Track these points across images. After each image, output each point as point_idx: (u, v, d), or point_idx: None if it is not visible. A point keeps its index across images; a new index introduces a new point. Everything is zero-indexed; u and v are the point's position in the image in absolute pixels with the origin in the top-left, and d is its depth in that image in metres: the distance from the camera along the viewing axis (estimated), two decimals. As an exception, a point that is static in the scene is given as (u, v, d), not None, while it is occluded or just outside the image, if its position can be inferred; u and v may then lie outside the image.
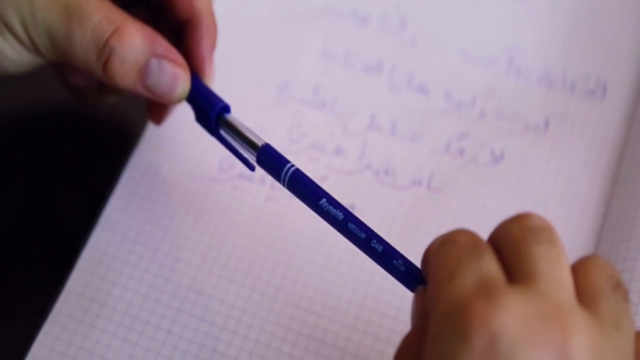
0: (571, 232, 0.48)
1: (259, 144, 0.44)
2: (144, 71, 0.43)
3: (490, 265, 0.33)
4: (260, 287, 0.47)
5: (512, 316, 0.31)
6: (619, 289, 0.33)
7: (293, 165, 0.43)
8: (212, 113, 0.45)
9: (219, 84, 0.47)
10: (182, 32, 0.46)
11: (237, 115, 0.48)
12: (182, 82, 0.44)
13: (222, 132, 0.45)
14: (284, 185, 0.43)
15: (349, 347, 0.45)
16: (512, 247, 0.34)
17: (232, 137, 0.45)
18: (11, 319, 0.47)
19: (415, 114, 0.53)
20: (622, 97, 0.53)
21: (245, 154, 0.44)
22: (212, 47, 0.46)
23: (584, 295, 0.33)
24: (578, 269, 0.34)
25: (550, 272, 0.32)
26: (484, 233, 0.48)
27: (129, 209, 0.49)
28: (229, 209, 0.50)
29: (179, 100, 0.45)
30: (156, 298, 0.46)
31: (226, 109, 0.45)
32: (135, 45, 0.42)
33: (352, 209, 0.49)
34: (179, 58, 0.44)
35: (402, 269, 0.40)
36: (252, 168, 0.45)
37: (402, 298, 0.46)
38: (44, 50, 0.43)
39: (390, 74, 0.54)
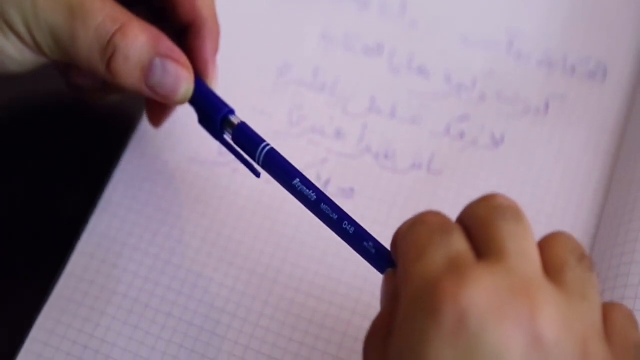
0: (571, 215, 0.48)
1: (264, 144, 0.43)
2: (147, 70, 0.42)
3: (459, 244, 0.33)
4: (260, 270, 0.46)
5: (481, 292, 0.31)
6: (584, 260, 0.34)
7: (268, 145, 0.43)
8: (217, 117, 0.44)
9: (219, 66, 0.46)
10: (184, 34, 0.45)
11: (237, 97, 0.47)
12: (186, 83, 0.43)
13: (226, 137, 0.45)
14: (258, 164, 0.43)
15: (349, 330, 0.45)
16: (480, 225, 0.34)
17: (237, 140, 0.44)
18: (11, 302, 0.47)
19: (415, 97, 0.52)
20: (623, 80, 0.53)
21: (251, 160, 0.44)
22: (215, 49, 0.45)
23: (551, 268, 0.33)
24: (544, 245, 0.35)
25: (518, 248, 0.33)
26: (484, 216, 0.48)
27: (129, 191, 0.49)
28: (229, 192, 0.49)
29: (182, 101, 0.44)
30: (156, 280, 0.46)
31: (231, 112, 0.45)
32: (139, 43, 0.42)
33: (352, 193, 0.49)
34: (183, 58, 0.43)
35: (373, 251, 0.40)
36: (257, 174, 0.44)
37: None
38: (47, 49, 0.42)
39: (390, 57, 0.54)
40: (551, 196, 0.48)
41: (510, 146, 0.50)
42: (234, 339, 0.44)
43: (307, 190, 0.42)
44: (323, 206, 0.41)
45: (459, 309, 0.30)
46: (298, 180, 0.42)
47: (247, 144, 0.43)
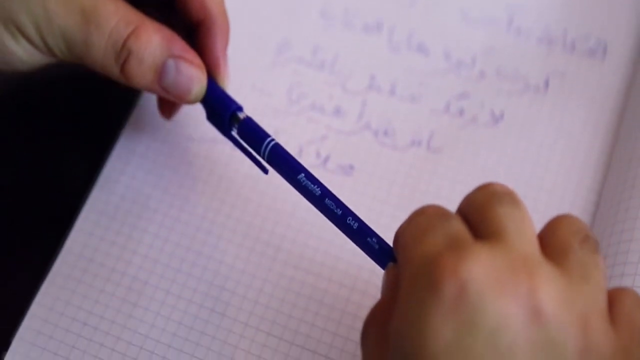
0: (571, 192, 0.47)
1: (269, 139, 0.43)
2: (160, 71, 0.42)
3: (458, 226, 0.33)
4: (259, 247, 0.46)
5: (480, 266, 0.31)
6: (588, 241, 0.34)
7: (273, 140, 0.43)
8: (225, 113, 0.44)
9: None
10: (194, 32, 0.45)
11: (237, 75, 0.46)
12: (199, 83, 0.43)
13: (234, 133, 0.44)
14: (264, 158, 0.43)
15: (348, 308, 0.44)
16: (478, 211, 0.34)
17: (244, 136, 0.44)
18: (10, 279, 0.46)
19: (414, 74, 0.51)
20: (623, 57, 0.52)
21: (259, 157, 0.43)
22: (225, 46, 0.45)
23: (552, 250, 0.33)
24: (548, 228, 0.35)
25: (516, 229, 0.33)
26: (484, 193, 0.47)
27: (128, 169, 0.48)
28: (228, 169, 0.48)
29: (195, 101, 0.44)
30: (155, 258, 0.45)
31: (239, 109, 0.44)
32: (152, 45, 0.41)
33: (352, 170, 0.48)
34: (196, 59, 0.43)
35: (376, 247, 0.40)
36: (265, 171, 0.44)
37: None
38: (59, 52, 0.41)
39: (389, 34, 0.53)
40: (551, 173, 0.48)
41: (510, 123, 0.50)
42: (233, 316, 0.44)
43: (312, 185, 0.42)
44: (327, 201, 0.41)
45: (458, 282, 0.30)
46: (303, 175, 0.42)
47: (253, 139, 0.43)
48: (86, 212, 0.46)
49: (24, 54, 0.41)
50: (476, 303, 0.30)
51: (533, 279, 0.31)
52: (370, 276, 0.44)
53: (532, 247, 0.32)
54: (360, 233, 0.41)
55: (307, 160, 0.48)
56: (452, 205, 0.47)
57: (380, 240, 0.40)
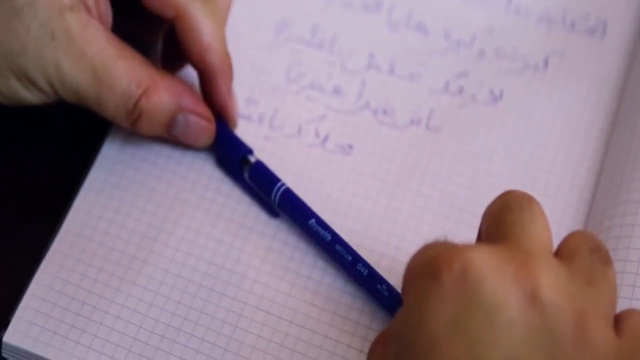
0: (570, 172, 0.46)
1: (280, 183, 0.44)
2: (170, 125, 0.43)
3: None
4: (259, 227, 0.45)
5: (480, 256, 0.31)
6: (599, 252, 0.33)
7: (284, 184, 0.44)
8: (236, 157, 0.45)
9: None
10: (199, 75, 0.45)
11: (235, 54, 0.46)
12: (208, 133, 0.45)
13: (246, 176, 0.45)
14: (274, 202, 0.44)
15: (347, 287, 0.43)
16: (490, 222, 0.34)
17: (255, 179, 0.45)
18: (9, 258, 0.45)
19: (414, 53, 0.50)
20: (622, 36, 0.51)
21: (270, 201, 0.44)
22: (230, 90, 0.45)
23: (561, 254, 0.33)
24: (561, 241, 0.34)
25: (522, 231, 0.33)
26: (482, 172, 0.46)
27: (127, 147, 0.47)
28: (227, 148, 0.47)
29: (204, 147, 0.46)
30: (153, 237, 0.44)
31: (249, 152, 0.45)
32: (163, 105, 0.42)
33: (351, 149, 0.47)
34: (206, 111, 0.44)
35: (386, 294, 0.41)
36: (276, 215, 0.44)
37: (399, 239, 0.44)
38: (70, 101, 0.42)
39: (388, 13, 0.52)
40: (550, 153, 0.47)
41: (509, 103, 0.49)
42: (232, 295, 0.43)
43: (323, 231, 0.42)
44: (338, 247, 0.42)
45: (457, 268, 0.30)
46: (314, 220, 0.43)
47: (263, 183, 0.44)
48: (85, 191, 0.46)
49: (35, 100, 0.42)
50: (475, 285, 0.30)
51: (533, 267, 0.31)
52: (370, 254, 0.44)
53: (540, 243, 0.32)
54: (370, 280, 0.41)
55: (306, 140, 0.47)
56: (451, 184, 0.46)
57: (389, 287, 0.41)
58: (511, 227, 0.33)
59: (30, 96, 0.42)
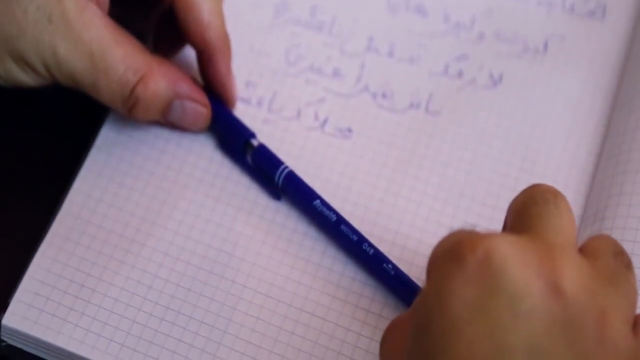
0: (570, 154, 0.46)
1: (284, 166, 0.44)
2: (167, 111, 0.43)
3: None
4: (258, 211, 0.44)
5: (505, 243, 0.30)
6: (622, 256, 0.33)
7: (287, 167, 0.44)
8: (239, 141, 0.45)
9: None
10: (198, 54, 0.45)
11: (234, 36, 0.45)
12: (204, 119, 0.45)
13: (248, 159, 0.45)
14: (278, 185, 0.44)
15: (346, 270, 0.43)
16: (515, 215, 0.34)
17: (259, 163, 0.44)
18: (8, 240, 0.45)
19: (413, 36, 0.50)
20: (622, 18, 0.50)
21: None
22: (229, 68, 0.45)
23: (585, 252, 0.33)
24: (585, 242, 0.34)
25: (547, 225, 0.32)
26: (482, 155, 0.46)
27: (126, 130, 0.46)
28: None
29: (200, 131, 0.46)
30: (152, 220, 0.44)
31: (252, 135, 0.45)
32: (160, 92, 0.42)
33: (350, 133, 0.47)
34: (202, 97, 0.44)
35: (392, 272, 0.41)
36: (277, 197, 0.44)
37: (398, 223, 0.44)
38: (67, 84, 0.41)
39: (388, -4, 0.51)
40: (550, 135, 0.46)
41: (509, 86, 0.48)
42: (231, 278, 0.42)
43: (328, 212, 0.42)
44: (343, 227, 0.42)
45: (482, 252, 0.30)
46: (319, 201, 0.43)
47: (267, 166, 0.44)
48: (84, 174, 0.45)
49: (32, 82, 0.42)
50: (498, 270, 0.29)
51: (557, 259, 0.30)
52: (372, 239, 0.43)
53: (564, 239, 0.32)
54: (376, 259, 0.41)
55: (305, 123, 0.47)
56: (450, 168, 0.45)
57: (395, 267, 0.41)
58: (536, 220, 0.33)
59: (27, 79, 0.41)
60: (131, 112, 0.42)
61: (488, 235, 0.31)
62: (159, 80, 0.42)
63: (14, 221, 0.45)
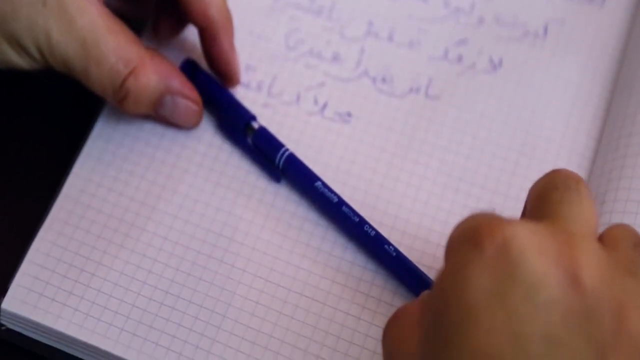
0: (569, 139, 0.45)
1: (284, 149, 0.44)
2: (158, 105, 0.43)
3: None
4: (257, 195, 0.44)
5: (524, 231, 0.30)
6: None
7: (288, 150, 0.43)
8: (240, 123, 0.44)
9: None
10: (200, 33, 0.44)
11: (234, 21, 0.44)
12: (195, 115, 0.44)
13: (249, 142, 0.44)
14: (279, 167, 0.43)
15: (346, 255, 0.42)
16: (536, 199, 0.33)
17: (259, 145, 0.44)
18: (7, 224, 0.45)
19: (413, 21, 0.49)
20: (622, 3, 0.49)
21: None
22: (232, 46, 0.45)
23: (604, 242, 0.32)
24: (604, 230, 0.33)
25: (569, 213, 0.32)
26: (482, 140, 0.45)
27: (125, 115, 0.46)
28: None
29: (192, 128, 0.45)
30: (152, 205, 0.43)
31: (253, 118, 0.45)
32: (150, 86, 0.41)
33: (350, 117, 0.46)
34: (194, 94, 0.44)
35: (394, 254, 0.41)
36: (277, 179, 0.44)
37: (398, 207, 0.44)
38: (60, 70, 0.41)
39: (388, -20, 0.51)
40: (549, 120, 0.46)
41: (509, 70, 0.48)
42: (231, 262, 0.42)
43: (329, 193, 0.42)
44: (344, 209, 0.42)
45: (500, 239, 0.29)
46: (320, 183, 0.42)
47: (268, 148, 0.44)
48: (83, 158, 0.45)
49: (26, 65, 0.41)
50: (516, 259, 0.29)
51: (577, 249, 0.30)
52: (372, 224, 0.43)
53: (584, 228, 0.31)
54: (377, 240, 0.41)
55: (305, 107, 0.46)
56: (449, 153, 0.45)
57: (396, 248, 0.41)
58: (556, 206, 0.32)
59: (21, 62, 0.41)
60: (122, 104, 0.42)
61: (507, 222, 0.30)
62: (151, 73, 0.41)
63: (14, 205, 0.45)
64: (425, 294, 0.34)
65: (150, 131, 0.45)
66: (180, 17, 0.44)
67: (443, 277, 0.31)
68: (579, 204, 0.32)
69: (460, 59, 0.48)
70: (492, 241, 0.29)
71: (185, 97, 0.43)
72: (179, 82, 0.43)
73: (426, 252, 0.42)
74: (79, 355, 0.41)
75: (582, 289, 0.29)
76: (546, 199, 0.33)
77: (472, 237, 0.30)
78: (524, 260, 0.29)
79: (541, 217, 0.32)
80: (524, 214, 0.35)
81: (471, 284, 0.29)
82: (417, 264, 0.41)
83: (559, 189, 0.33)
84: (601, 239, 0.32)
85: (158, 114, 0.43)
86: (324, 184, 0.42)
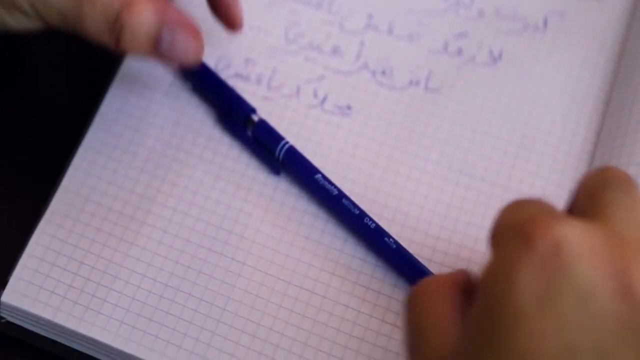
0: (569, 132, 0.45)
1: (284, 141, 0.43)
2: (156, 41, 0.41)
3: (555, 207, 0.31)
4: (257, 187, 0.44)
5: (576, 233, 0.29)
6: None
7: (288, 142, 0.43)
8: (240, 116, 0.44)
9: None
10: None
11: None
12: (195, 48, 0.42)
13: (249, 135, 0.44)
14: (278, 160, 0.43)
15: (346, 245, 0.42)
16: (587, 195, 0.32)
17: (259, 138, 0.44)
18: (6, 217, 0.44)
19: (413, 13, 0.49)
20: (622, -4, 0.49)
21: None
22: None
23: None
24: None
25: (623, 215, 0.30)
26: (481, 134, 0.45)
27: (124, 108, 0.46)
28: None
29: (195, 63, 0.43)
30: (152, 198, 0.43)
31: (252, 111, 0.45)
32: (145, 18, 0.40)
33: (349, 110, 0.46)
34: (191, 25, 0.42)
35: (394, 246, 0.41)
36: (277, 172, 0.44)
37: (397, 201, 0.43)
38: (53, 24, 0.40)
39: (388, -27, 0.50)
40: (549, 113, 0.46)
41: (509, 63, 0.47)
42: (231, 255, 0.42)
43: (329, 185, 0.42)
44: (345, 201, 0.41)
45: (553, 241, 0.28)
46: (320, 175, 0.42)
47: (268, 140, 0.44)
48: (83, 151, 0.44)
49: (18, 25, 0.41)
50: (569, 264, 0.28)
51: (630, 259, 0.28)
52: (371, 216, 0.43)
53: (637, 234, 0.30)
54: (377, 233, 0.41)
55: (304, 100, 0.46)
56: (449, 146, 0.45)
57: (396, 241, 0.41)
58: (609, 208, 0.31)
59: (13, 21, 0.40)
60: (119, 43, 0.41)
61: (560, 221, 0.29)
62: (145, 6, 0.40)
63: (13, 198, 0.45)
64: (459, 274, 0.33)
65: (150, 124, 0.45)
66: None
67: (491, 270, 0.30)
68: (634, 209, 0.31)
69: (460, 52, 0.48)
70: (543, 241, 0.28)
71: (183, 28, 0.41)
72: (175, 15, 0.42)
73: (426, 245, 0.42)
74: (79, 348, 0.41)
75: (634, 299, 0.28)
76: (600, 197, 0.31)
77: (522, 232, 0.29)
78: (575, 266, 0.28)
79: (593, 216, 0.31)
80: (571, 205, 0.34)
81: (520, 283, 0.28)
82: (417, 257, 0.41)
83: (612, 189, 0.31)
84: None
85: (158, 51, 0.42)
86: (324, 177, 0.42)
